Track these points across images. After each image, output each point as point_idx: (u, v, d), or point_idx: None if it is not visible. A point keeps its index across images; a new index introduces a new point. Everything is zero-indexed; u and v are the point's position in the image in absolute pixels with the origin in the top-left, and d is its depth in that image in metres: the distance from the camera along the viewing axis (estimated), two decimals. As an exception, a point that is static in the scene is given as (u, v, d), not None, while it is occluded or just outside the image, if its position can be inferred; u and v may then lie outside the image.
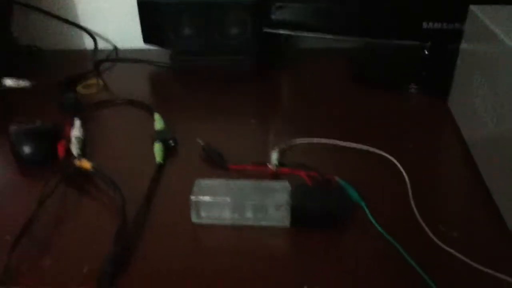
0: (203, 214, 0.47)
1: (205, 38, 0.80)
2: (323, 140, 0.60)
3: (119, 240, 0.43)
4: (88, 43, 0.95)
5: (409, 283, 0.40)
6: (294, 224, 0.46)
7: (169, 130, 0.61)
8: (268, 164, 0.54)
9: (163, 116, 0.64)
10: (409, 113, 0.68)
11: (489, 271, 0.40)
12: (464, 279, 0.40)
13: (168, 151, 0.58)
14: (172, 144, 0.59)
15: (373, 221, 0.46)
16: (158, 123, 0.62)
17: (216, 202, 0.46)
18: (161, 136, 0.59)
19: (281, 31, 0.79)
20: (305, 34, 0.79)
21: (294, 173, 0.53)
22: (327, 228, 0.46)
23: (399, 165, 0.54)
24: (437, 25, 0.71)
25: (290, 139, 0.60)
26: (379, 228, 0.45)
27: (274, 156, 0.55)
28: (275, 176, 0.54)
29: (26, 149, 0.56)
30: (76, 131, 0.60)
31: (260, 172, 0.54)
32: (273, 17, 0.77)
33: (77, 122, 0.62)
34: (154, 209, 0.49)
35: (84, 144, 0.59)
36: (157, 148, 0.57)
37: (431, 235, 0.44)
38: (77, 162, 0.53)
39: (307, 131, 0.62)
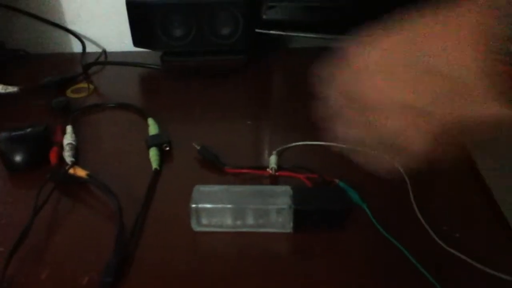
0: (204, 221, 0.46)
1: (196, 38, 0.79)
2: (320, 142, 0.59)
3: (118, 249, 0.42)
4: (76, 47, 0.93)
5: (413, 283, 0.40)
6: (296, 229, 0.45)
7: (163, 134, 0.60)
8: (267, 168, 0.54)
9: (156, 119, 0.63)
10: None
11: (492, 271, 0.40)
12: (468, 280, 0.40)
13: (164, 156, 0.57)
14: (167, 148, 0.58)
15: (375, 223, 0.46)
16: (153, 128, 0.61)
17: (216, 208, 0.45)
18: (155, 141, 0.58)
19: (273, 32, 0.78)
20: (297, 34, 0.79)
21: (293, 175, 0.52)
22: (329, 229, 0.46)
23: (398, 166, 0.54)
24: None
25: (286, 141, 0.59)
26: (381, 229, 0.45)
27: (273, 160, 0.55)
28: (274, 179, 0.53)
29: (17, 156, 0.55)
30: (68, 138, 0.59)
31: (258, 175, 0.53)
32: (264, 17, 0.77)
33: (69, 128, 0.61)
34: (152, 216, 0.48)
35: (77, 150, 0.58)
36: (153, 153, 0.56)
37: (433, 235, 0.44)
38: (71, 170, 0.52)
39: (302, 132, 0.61)
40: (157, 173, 0.54)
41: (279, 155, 0.56)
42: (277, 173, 0.53)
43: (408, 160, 0.53)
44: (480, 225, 0.46)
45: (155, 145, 0.57)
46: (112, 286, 0.39)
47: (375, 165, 0.55)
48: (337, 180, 0.51)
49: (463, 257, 0.42)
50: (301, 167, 0.53)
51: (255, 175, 0.53)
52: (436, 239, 0.44)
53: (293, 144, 0.59)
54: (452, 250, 0.42)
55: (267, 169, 0.54)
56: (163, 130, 0.61)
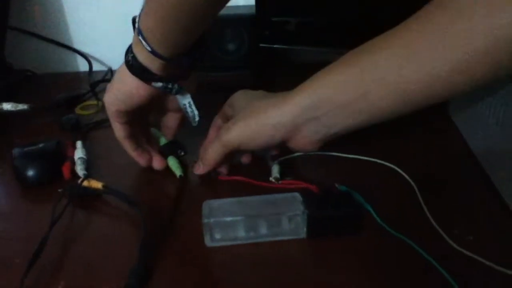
0: (217, 236, 0.46)
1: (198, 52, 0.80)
2: (321, 152, 0.58)
3: (143, 256, 0.43)
4: (82, 65, 0.95)
5: (429, 284, 0.40)
6: (310, 234, 0.45)
7: (175, 141, 0.60)
8: (270, 178, 0.54)
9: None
10: (408, 121, 0.67)
11: (508, 271, 0.41)
12: (484, 280, 0.41)
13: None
14: (183, 154, 0.58)
15: (381, 222, 0.47)
16: (162, 138, 0.61)
17: (229, 221, 0.45)
18: (170, 150, 0.58)
19: (277, 46, 0.80)
20: (301, 48, 0.80)
21: (296, 183, 0.53)
22: (343, 234, 0.46)
23: (404, 174, 0.54)
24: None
25: (287, 152, 0.58)
26: (387, 228, 0.46)
27: (275, 169, 0.55)
28: (277, 188, 0.53)
29: (30, 172, 0.55)
30: (79, 152, 0.59)
31: (260, 185, 0.54)
32: (268, 32, 0.78)
33: (79, 143, 0.62)
34: (171, 224, 0.49)
35: (88, 164, 0.59)
36: (172, 162, 0.57)
37: (446, 237, 0.44)
38: (84, 183, 0.52)
39: None
40: (182, 179, 0.55)
41: (280, 165, 0.56)
42: (280, 182, 0.54)
43: (412, 166, 0.54)
44: (493, 227, 0.47)
45: (172, 154, 0.58)
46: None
47: (379, 172, 0.55)
48: (337, 185, 0.51)
49: (477, 257, 0.42)
50: (301, 176, 0.54)
51: (257, 185, 0.53)
52: (449, 240, 0.44)
53: (295, 154, 0.58)
54: (466, 251, 0.43)
55: (270, 179, 0.54)
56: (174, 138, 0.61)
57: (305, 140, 0.49)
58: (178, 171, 0.56)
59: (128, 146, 0.56)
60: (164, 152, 0.59)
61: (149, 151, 0.58)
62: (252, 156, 0.58)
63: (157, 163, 0.57)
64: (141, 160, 0.57)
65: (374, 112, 0.45)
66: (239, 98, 0.54)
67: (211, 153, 0.53)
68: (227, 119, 0.55)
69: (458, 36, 0.37)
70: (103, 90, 0.82)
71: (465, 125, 0.62)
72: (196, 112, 0.55)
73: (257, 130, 0.49)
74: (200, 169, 0.55)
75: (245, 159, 0.58)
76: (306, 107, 0.47)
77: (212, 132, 0.58)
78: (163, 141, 0.60)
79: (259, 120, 0.49)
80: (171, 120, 0.59)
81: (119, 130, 0.54)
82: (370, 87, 0.43)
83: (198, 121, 0.55)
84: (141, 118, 0.57)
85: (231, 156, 0.55)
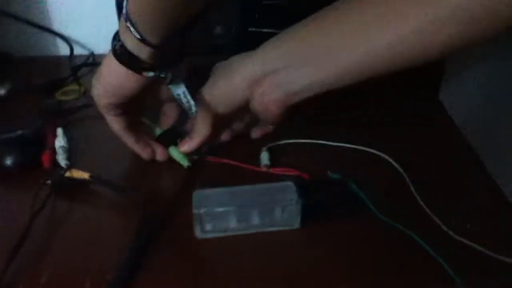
0: (208, 227, 0.44)
1: (188, 38, 0.78)
2: (311, 140, 0.58)
3: (133, 245, 0.41)
4: (63, 49, 0.91)
5: (425, 273, 0.40)
6: (304, 224, 0.44)
7: (172, 129, 0.56)
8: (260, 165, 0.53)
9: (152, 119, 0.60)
10: (398, 108, 0.66)
11: (506, 259, 0.40)
12: (484, 269, 0.40)
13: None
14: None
15: (376, 211, 0.46)
16: (155, 128, 0.57)
17: (220, 212, 0.44)
18: (170, 139, 0.55)
19: (266, 30, 0.78)
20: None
21: (288, 171, 0.52)
22: (337, 222, 0.45)
23: (394, 163, 0.53)
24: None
25: (276, 139, 0.57)
26: (382, 217, 0.45)
27: (265, 156, 0.54)
28: (268, 176, 0.52)
29: (8, 159, 0.53)
30: (60, 141, 0.57)
31: (252, 174, 0.52)
32: (257, 15, 0.76)
33: (60, 131, 0.59)
34: (162, 214, 0.47)
35: (70, 153, 0.56)
36: (176, 153, 0.54)
37: (444, 227, 0.44)
38: (68, 173, 0.50)
39: (294, 131, 0.59)
40: (190, 170, 0.53)
41: (270, 152, 0.55)
42: (270, 169, 0.52)
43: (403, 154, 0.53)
44: (489, 214, 0.46)
45: (171, 143, 0.54)
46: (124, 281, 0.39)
47: (368, 160, 0.54)
48: (330, 173, 0.51)
49: (475, 246, 0.41)
50: (291, 164, 0.52)
51: (247, 172, 0.52)
52: (446, 229, 0.44)
53: (282, 142, 0.57)
54: (463, 239, 0.42)
55: (260, 166, 0.53)
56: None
57: (265, 98, 0.48)
58: (184, 162, 0.53)
59: (128, 139, 0.53)
60: (163, 142, 0.55)
61: (149, 143, 0.55)
62: (237, 139, 0.57)
63: (160, 155, 0.54)
64: (144, 154, 0.54)
65: (336, 71, 0.44)
66: (217, 67, 0.52)
67: (195, 125, 0.51)
68: None
69: None
70: (85, 74, 0.80)
71: (457, 109, 0.61)
72: (192, 102, 0.51)
73: (223, 86, 0.49)
74: (186, 145, 0.52)
75: (224, 136, 0.56)
76: (267, 59, 0.47)
77: None
78: (157, 131, 0.56)
79: (226, 75, 0.49)
80: (170, 109, 0.55)
81: (114, 123, 0.51)
82: (332, 45, 0.44)
83: (196, 111, 0.51)
84: (137, 107, 0.54)
85: (219, 130, 0.54)
